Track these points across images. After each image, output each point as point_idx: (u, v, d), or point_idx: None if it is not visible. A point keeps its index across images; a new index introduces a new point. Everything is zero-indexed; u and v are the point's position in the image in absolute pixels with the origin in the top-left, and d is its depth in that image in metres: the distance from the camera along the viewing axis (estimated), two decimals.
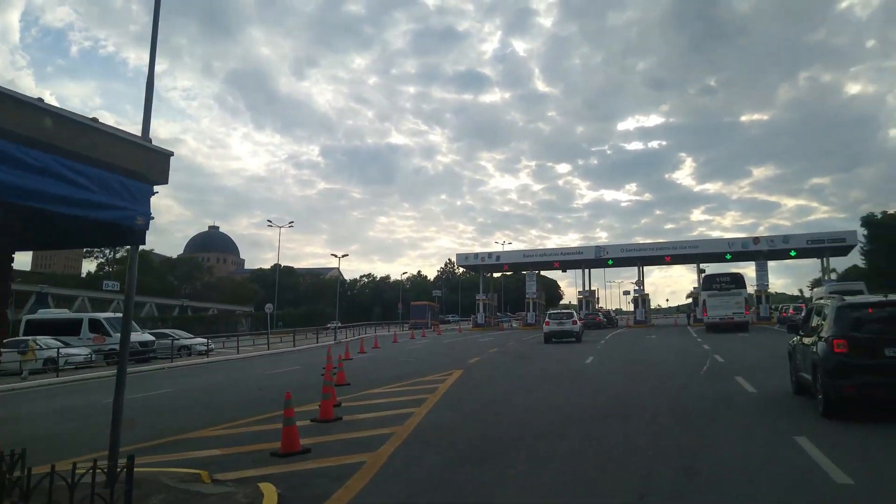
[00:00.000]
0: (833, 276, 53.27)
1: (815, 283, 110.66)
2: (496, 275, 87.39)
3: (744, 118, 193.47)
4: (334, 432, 8.91)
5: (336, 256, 66.76)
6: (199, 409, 12.81)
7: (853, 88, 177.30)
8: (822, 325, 9.16)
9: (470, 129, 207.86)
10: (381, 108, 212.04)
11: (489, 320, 61.71)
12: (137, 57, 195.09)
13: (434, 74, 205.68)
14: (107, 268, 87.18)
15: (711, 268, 57.60)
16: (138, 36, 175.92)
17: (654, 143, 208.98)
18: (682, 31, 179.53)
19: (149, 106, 6.26)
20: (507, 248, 71.07)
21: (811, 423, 8.27)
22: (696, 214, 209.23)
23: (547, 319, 31.19)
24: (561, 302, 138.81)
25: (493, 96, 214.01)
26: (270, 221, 64.92)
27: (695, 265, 58.10)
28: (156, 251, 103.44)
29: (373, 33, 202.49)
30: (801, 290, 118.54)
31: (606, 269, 77.81)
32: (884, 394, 8.12)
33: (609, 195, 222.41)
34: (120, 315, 30.89)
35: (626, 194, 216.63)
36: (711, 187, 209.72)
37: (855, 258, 79.10)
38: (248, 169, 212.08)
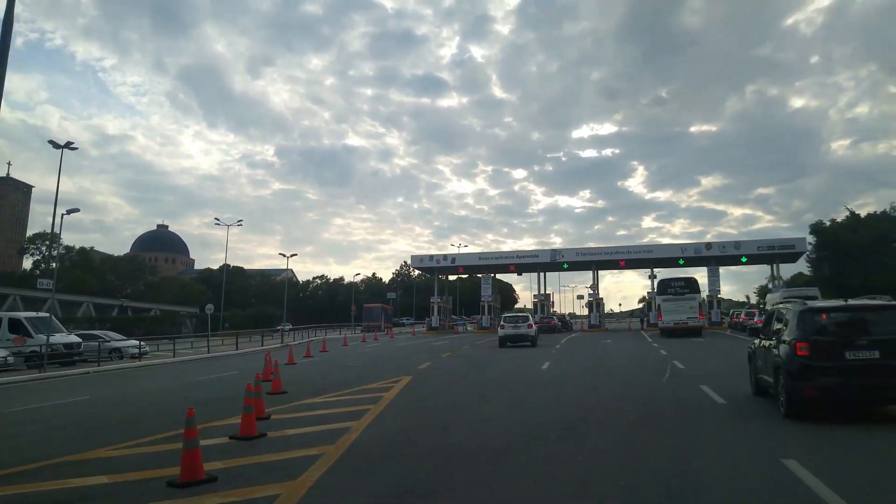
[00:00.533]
0: (779, 283, 54.02)
1: (763, 290, 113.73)
2: (451, 278, 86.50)
3: (693, 129, 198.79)
4: (254, 453, 7.59)
5: (284, 256, 64.38)
6: (106, 422, 11.24)
7: (797, 102, 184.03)
8: (784, 328, 9.37)
9: (427, 133, 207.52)
10: (338, 109, 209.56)
11: (444, 324, 60.64)
12: (85, 51, 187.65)
13: (392, 77, 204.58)
14: (43, 265, 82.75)
15: (664, 272, 58.11)
16: (86, 29, 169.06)
17: (607, 151, 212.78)
18: (635, 42, 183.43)
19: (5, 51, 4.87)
20: (463, 250, 70.12)
21: (794, 441, 7.40)
22: (647, 221, 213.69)
23: (502, 323, 30.22)
24: (516, 305, 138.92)
25: (450, 101, 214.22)
26: (218, 220, 62.39)
27: (647, 270, 58.39)
28: (98, 249, 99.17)
29: (330, 34, 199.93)
30: (747, 297, 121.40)
31: (561, 274, 77.95)
32: (844, 395, 8.33)
33: (563, 201, 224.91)
34: (45, 315, 28.64)
35: (580, 201, 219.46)
36: (662, 195, 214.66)
37: (801, 265, 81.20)
38: (200, 168, 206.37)
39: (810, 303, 9.66)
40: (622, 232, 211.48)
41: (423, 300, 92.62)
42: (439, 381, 15.71)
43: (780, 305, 10.58)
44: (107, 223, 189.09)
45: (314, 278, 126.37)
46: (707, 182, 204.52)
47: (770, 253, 53.14)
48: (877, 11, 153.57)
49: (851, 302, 9.70)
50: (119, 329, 61.06)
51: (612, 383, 13.97)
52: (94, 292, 74.06)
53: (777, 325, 9.90)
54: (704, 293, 47.86)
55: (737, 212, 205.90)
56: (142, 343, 30.85)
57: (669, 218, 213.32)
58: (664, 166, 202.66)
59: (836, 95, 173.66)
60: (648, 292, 56.21)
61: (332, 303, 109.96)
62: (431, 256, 61.54)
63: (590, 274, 57.92)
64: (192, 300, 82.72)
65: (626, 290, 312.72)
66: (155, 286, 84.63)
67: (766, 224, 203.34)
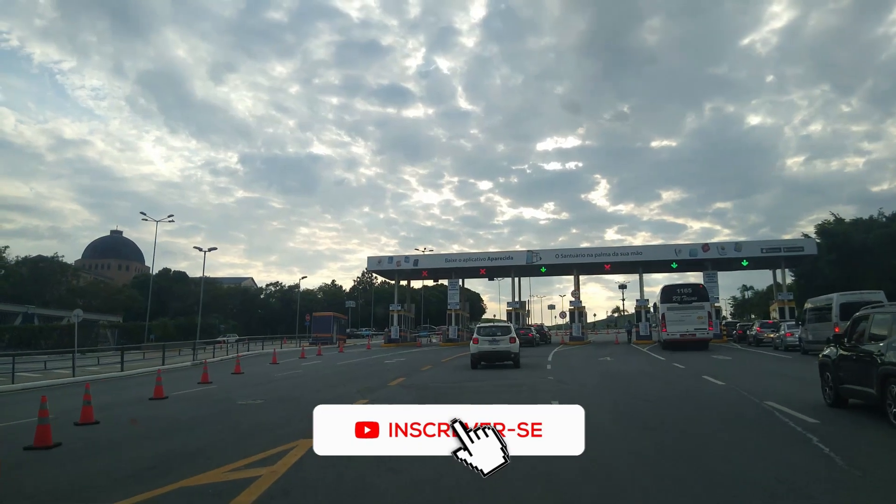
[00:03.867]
0: (741, 292, 47.70)
1: (737, 301, 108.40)
2: (416, 285, 78.78)
3: (654, 144, 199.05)
4: None
5: (201, 250, 55.16)
6: None
7: (753, 120, 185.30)
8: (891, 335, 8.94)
9: (393, 143, 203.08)
10: (303, 117, 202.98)
11: (404, 335, 52.84)
12: (43, 53, 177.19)
13: (357, 86, 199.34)
14: None
15: (651, 278, 51.60)
16: (44, 31, 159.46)
17: (571, 164, 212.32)
18: (596, 58, 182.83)
19: None
20: (427, 252, 62.21)
21: None
22: (610, 234, 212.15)
23: (475, 336, 22.46)
24: (484, 316, 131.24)
25: (416, 111, 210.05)
26: (145, 214, 53.61)
27: (614, 281, 52.16)
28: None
29: (294, 42, 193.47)
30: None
31: (532, 280, 70.94)
32: None
33: (528, 213, 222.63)
34: None
35: (544, 212, 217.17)
36: (624, 208, 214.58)
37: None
38: (160, 174, 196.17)
39: None
40: (585, 244, 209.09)
41: (383, 309, 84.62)
42: (350, 472, 7.77)
43: (874, 310, 10.03)
44: (63, 230, 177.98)
45: (268, 285, 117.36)
46: (667, 196, 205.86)
47: (775, 256, 46.83)
48: (828, 33, 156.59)
49: None
50: (20, 341, 51.82)
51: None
52: (6, 298, 64.32)
53: (869, 331, 9.61)
54: None
55: (696, 225, 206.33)
56: None
57: (631, 230, 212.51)
58: (626, 180, 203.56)
59: (791, 114, 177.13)
60: (638, 300, 49.44)
61: (285, 312, 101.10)
62: (391, 258, 53.71)
63: (564, 281, 51.44)
64: (120, 308, 73.12)
65: (588, 301, 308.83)
66: (79, 291, 74.59)
67: (724, 238, 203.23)
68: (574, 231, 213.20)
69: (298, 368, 25.94)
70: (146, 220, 56.38)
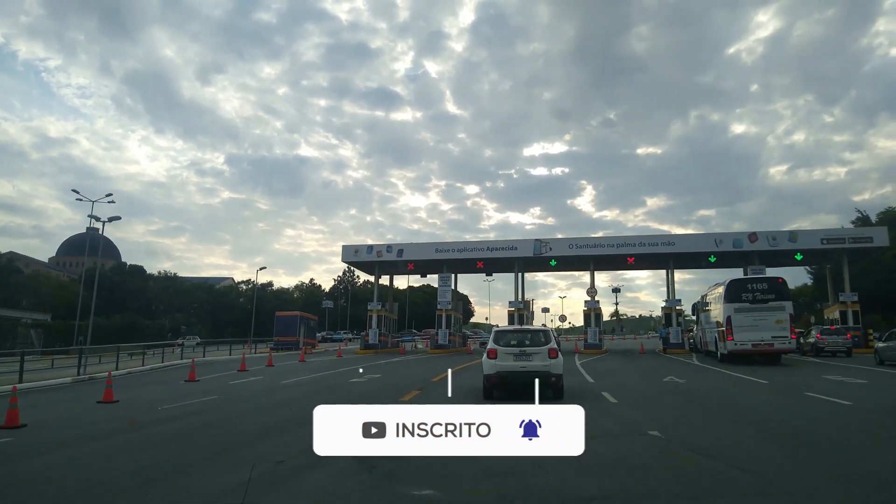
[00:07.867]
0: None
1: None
2: (401, 285, 70.01)
3: (640, 151, 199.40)
4: None
5: (98, 219, 38.88)
6: None
7: (738, 128, 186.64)
8: None
9: (381, 146, 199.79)
10: (291, 119, 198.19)
11: (384, 340, 43.82)
12: (28, 50, 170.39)
13: (345, 89, 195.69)
14: None
15: (680, 274, 43.01)
16: (30, 28, 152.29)
17: (557, 170, 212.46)
18: (585, 65, 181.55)
19: None
20: (414, 240, 53.18)
21: None
22: None
23: (492, 345, 13.49)
24: (472, 320, 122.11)
25: (404, 115, 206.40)
26: (78, 192, 42.89)
27: (600, 285, 43.24)
28: (36, 256, 77.51)
29: (283, 44, 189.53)
30: None
31: (524, 281, 62.19)
32: None
33: (515, 217, 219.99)
34: None
35: (530, 217, 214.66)
36: (609, 214, 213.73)
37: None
38: (146, 174, 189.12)
39: None
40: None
41: (363, 311, 75.86)
42: None
43: None
44: (47, 228, 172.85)
45: (239, 283, 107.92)
46: (652, 203, 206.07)
47: (837, 248, 38.44)
48: (813, 44, 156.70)
49: None
50: None
51: None
52: None
53: None
54: None
55: (679, 232, 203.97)
56: None
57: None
58: (612, 186, 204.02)
59: (775, 123, 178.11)
60: (666, 300, 40.82)
61: (258, 311, 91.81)
62: (370, 247, 44.85)
63: (549, 286, 42.80)
64: (63, 305, 63.57)
65: (573, 306, 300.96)
66: (13, 286, 64.76)
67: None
68: (560, 236, 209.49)
69: (215, 393, 16.94)
70: (80, 199, 46.73)
